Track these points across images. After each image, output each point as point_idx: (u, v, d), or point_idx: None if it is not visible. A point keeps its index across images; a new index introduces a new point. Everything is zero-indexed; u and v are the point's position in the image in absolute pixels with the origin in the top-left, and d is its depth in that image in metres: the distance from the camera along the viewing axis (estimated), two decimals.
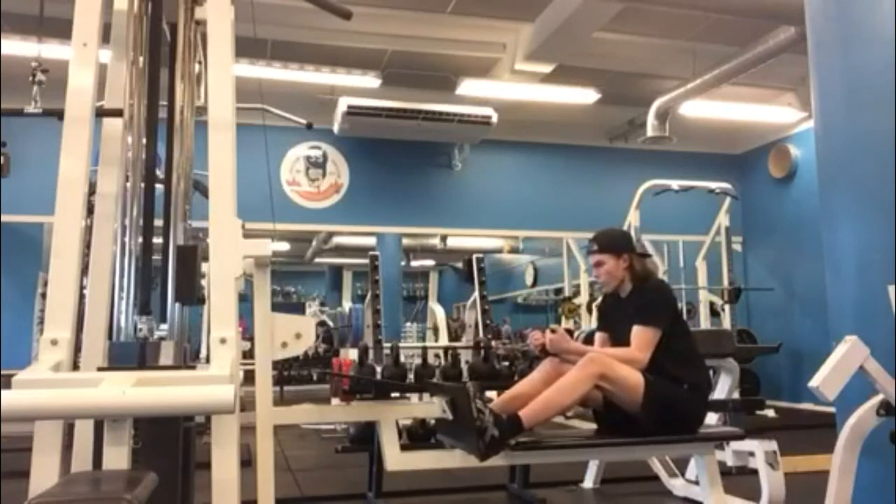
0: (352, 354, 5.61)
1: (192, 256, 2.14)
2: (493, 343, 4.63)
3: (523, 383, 3.06)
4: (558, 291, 10.77)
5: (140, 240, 2.04)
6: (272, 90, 5.37)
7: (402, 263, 11.17)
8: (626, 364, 2.85)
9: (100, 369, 1.86)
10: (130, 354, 1.91)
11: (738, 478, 3.61)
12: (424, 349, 4.58)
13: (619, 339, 3.00)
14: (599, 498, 3.81)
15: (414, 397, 3.79)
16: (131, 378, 1.56)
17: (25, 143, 4.93)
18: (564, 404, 2.82)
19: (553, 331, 2.98)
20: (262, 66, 6.05)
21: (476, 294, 6.13)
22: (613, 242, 3.13)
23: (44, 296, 4.21)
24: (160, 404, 1.49)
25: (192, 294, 2.14)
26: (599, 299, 3.34)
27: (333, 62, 6.55)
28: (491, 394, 3.34)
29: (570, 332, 3.36)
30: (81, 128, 1.95)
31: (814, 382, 2.40)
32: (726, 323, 7.04)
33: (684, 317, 5.89)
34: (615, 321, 3.10)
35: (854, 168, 2.95)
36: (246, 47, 4.47)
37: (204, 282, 2.44)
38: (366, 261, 5.94)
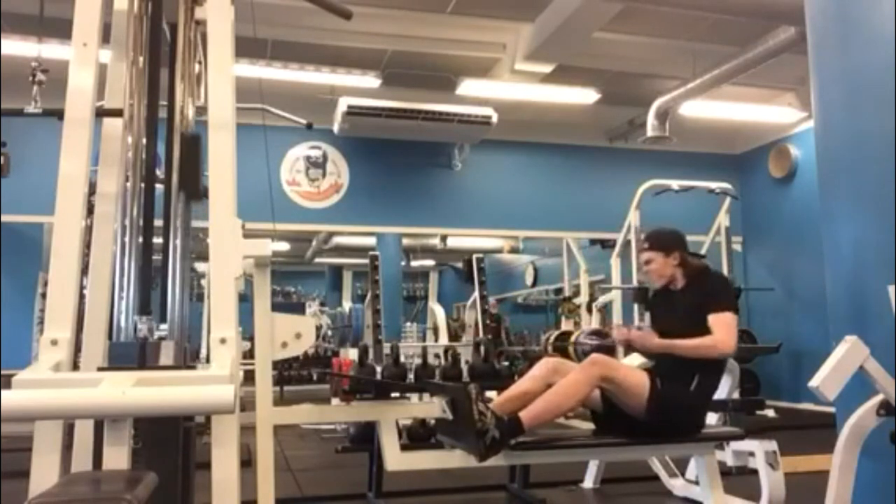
0: (352, 354, 5.62)
1: (195, 146, 2.15)
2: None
3: (523, 381, 3.06)
4: (558, 291, 10.77)
5: (140, 240, 2.04)
6: (272, 90, 5.36)
7: (402, 263, 11.18)
8: (711, 349, 2.87)
9: (100, 369, 1.86)
10: (130, 354, 1.91)
11: (738, 478, 3.62)
12: (424, 349, 4.58)
13: (668, 332, 3.00)
14: (599, 498, 3.81)
15: (414, 397, 3.79)
16: (131, 378, 1.56)
17: (25, 143, 4.93)
18: (565, 406, 2.83)
19: (639, 328, 3.00)
20: (262, 66, 6.04)
21: (476, 294, 6.14)
22: (663, 241, 3.18)
23: (44, 296, 4.21)
24: (160, 404, 1.49)
25: (196, 185, 2.16)
26: (651, 295, 3.38)
27: (333, 62, 6.55)
28: (491, 394, 3.34)
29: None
30: (81, 128, 1.95)
31: (814, 382, 2.40)
32: None
33: None
34: (663, 314, 3.13)
35: (854, 168, 2.95)
36: (246, 47, 4.46)
37: (204, 282, 2.44)
38: (366, 261, 5.95)
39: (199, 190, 2.21)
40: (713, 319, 2.91)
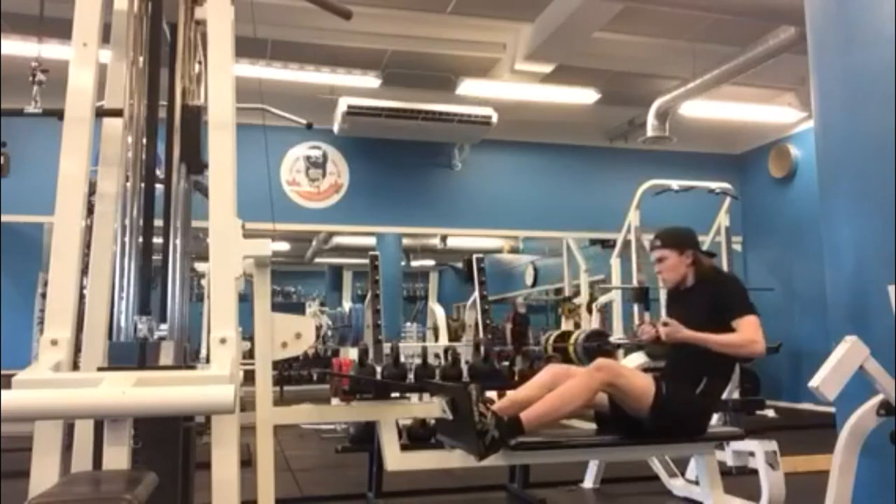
0: (352, 354, 5.61)
1: (196, 118, 2.18)
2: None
3: (525, 387, 3.05)
4: (558, 291, 10.77)
5: (140, 240, 2.04)
6: (272, 90, 5.36)
7: (402, 263, 11.17)
8: (741, 347, 2.87)
9: (100, 369, 1.86)
10: (130, 354, 1.91)
11: (738, 478, 3.62)
12: (424, 349, 4.58)
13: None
14: (599, 498, 3.81)
15: (414, 397, 3.79)
16: (131, 378, 1.56)
17: (25, 143, 4.93)
18: (567, 410, 2.82)
19: (665, 324, 3.00)
20: (262, 66, 6.04)
21: (476, 294, 6.13)
22: (676, 239, 3.18)
23: (44, 296, 4.21)
24: (160, 404, 1.49)
25: (197, 157, 2.16)
26: (664, 294, 3.37)
27: (333, 62, 6.55)
28: (491, 394, 3.34)
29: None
30: (81, 128, 1.95)
31: (814, 382, 2.39)
32: None
33: None
34: (677, 313, 3.10)
35: (854, 168, 2.94)
36: (246, 47, 4.46)
37: (204, 282, 2.44)
38: (366, 261, 5.93)
39: (200, 162, 2.22)
40: (739, 323, 2.90)
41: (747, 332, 2.88)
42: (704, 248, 6.89)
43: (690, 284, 3.14)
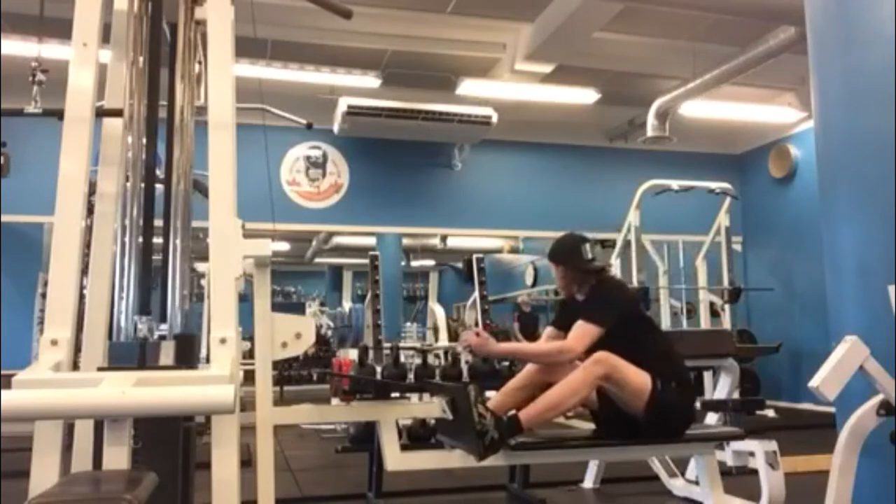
0: (352, 354, 5.61)
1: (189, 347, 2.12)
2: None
3: (520, 376, 3.08)
4: (558, 292, 10.75)
5: (140, 240, 2.04)
6: (272, 90, 5.37)
7: (402, 263, 11.15)
8: (555, 355, 2.88)
9: (100, 369, 1.86)
10: (130, 354, 1.91)
11: (738, 478, 3.61)
12: (424, 349, 4.58)
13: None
14: (599, 498, 3.81)
15: (414, 397, 3.79)
16: (131, 378, 1.56)
17: (25, 143, 4.94)
18: (565, 406, 2.82)
19: (477, 334, 2.97)
20: (262, 66, 6.05)
21: (476, 294, 6.13)
22: (555, 253, 3.22)
23: (44, 296, 4.21)
24: (160, 404, 1.49)
25: None
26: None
27: (333, 62, 6.55)
28: (491, 394, 3.34)
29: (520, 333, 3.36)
30: (81, 128, 1.95)
31: (814, 382, 2.39)
32: (726, 323, 7.03)
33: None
34: (569, 321, 3.05)
35: (854, 168, 2.94)
36: (246, 47, 4.46)
37: (204, 282, 2.44)
38: (366, 261, 5.94)
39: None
40: (574, 327, 2.89)
41: (570, 338, 2.88)
42: (704, 248, 6.96)
43: (583, 296, 3.12)
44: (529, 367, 3.09)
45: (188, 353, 2.03)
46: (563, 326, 3.10)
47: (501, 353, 2.90)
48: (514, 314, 10.77)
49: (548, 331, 3.27)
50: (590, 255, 3.15)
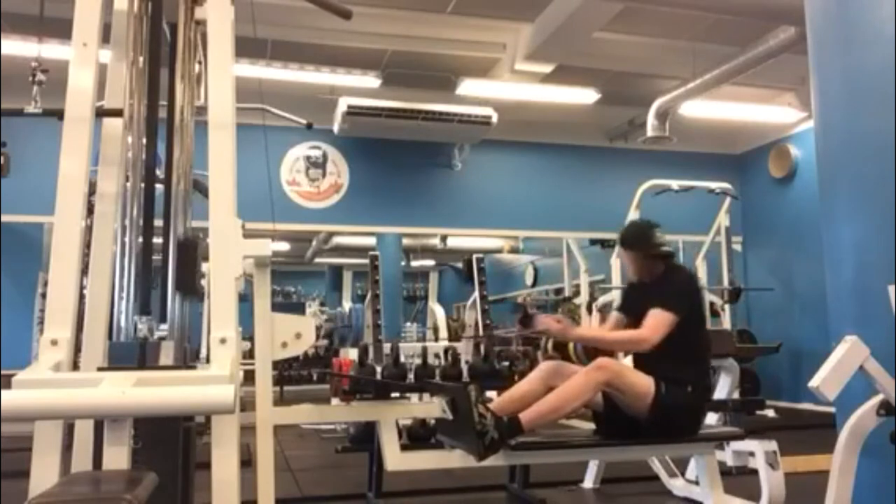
0: (352, 354, 5.61)
1: (192, 251, 2.18)
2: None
3: (522, 384, 3.06)
4: (558, 291, 10.77)
5: (140, 240, 2.04)
6: (272, 90, 5.36)
7: (402, 263, 11.16)
8: (631, 345, 2.89)
9: (100, 369, 1.86)
10: (130, 354, 1.91)
11: (738, 478, 3.61)
12: (424, 349, 4.58)
13: (636, 323, 3.01)
14: (599, 498, 3.81)
15: (414, 397, 3.79)
16: (131, 378, 1.56)
17: (25, 143, 4.93)
18: (566, 409, 2.83)
19: (558, 321, 2.99)
20: (262, 66, 6.04)
21: (476, 294, 6.13)
22: (626, 239, 3.25)
23: (44, 296, 4.21)
24: (160, 404, 1.49)
25: (193, 286, 2.16)
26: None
27: (333, 62, 6.55)
28: (491, 394, 3.34)
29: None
30: (81, 128, 1.95)
31: (814, 382, 2.39)
32: (726, 323, 7.03)
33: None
34: (634, 305, 3.12)
35: (854, 168, 2.94)
36: (246, 47, 4.46)
37: (204, 281, 2.44)
38: (366, 261, 5.94)
39: (197, 289, 2.22)
40: (649, 315, 2.92)
41: (644, 327, 2.90)
42: (704, 248, 6.96)
43: (651, 280, 3.17)
44: (532, 376, 3.08)
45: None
46: (629, 311, 3.17)
47: (580, 338, 2.93)
48: (519, 314, 10.80)
49: (614, 315, 3.32)
50: (659, 241, 3.19)
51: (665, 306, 2.90)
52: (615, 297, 6.75)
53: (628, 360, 3.58)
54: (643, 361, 3.03)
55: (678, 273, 3.21)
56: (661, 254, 3.16)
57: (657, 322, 2.88)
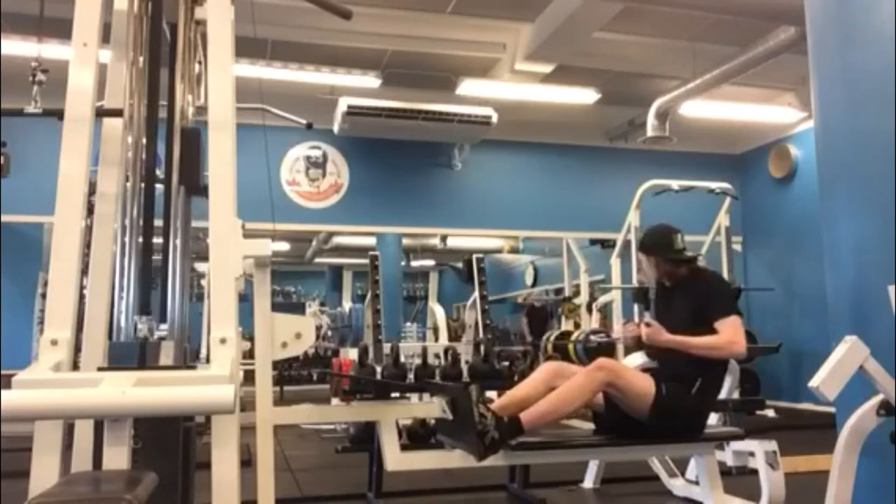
0: (352, 354, 5.61)
1: (195, 141, 2.19)
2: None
3: (524, 385, 3.05)
4: (558, 291, 10.77)
5: (140, 240, 2.04)
6: (272, 90, 5.36)
7: (402, 263, 11.17)
8: (722, 350, 2.90)
9: (100, 369, 1.86)
10: (130, 354, 1.91)
11: (738, 478, 3.61)
12: (424, 349, 4.58)
13: (666, 326, 3.01)
14: (599, 498, 3.81)
15: (414, 397, 3.79)
16: (131, 378, 1.56)
17: (25, 143, 4.93)
18: (567, 410, 2.83)
19: (647, 324, 3.00)
20: (262, 66, 6.04)
21: (476, 294, 6.13)
22: (646, 244, 3.26)
23: (44, 296, 4.21)
24: (160, 404, 1.49)
25: (196, 180, 2.17)
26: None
27: (333, 62, 6.55)
28: (491, 394, 3.34)
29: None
30: (81, 128, 1.95)
31: (814, 382, 2.40)
32: None
33: None
34: (662, 311, 3.15)
35: (854, 168, 2.94)
36: (246, 47, 4.46)
37: (204, 282, 2.44)
38: (366, 261, 5.93)
39: (199, 185, 2.22)
40: (721, 324, 2.92)
41: (727, 334, 2.90)
42: (704, 248, 6.95)
43: (672, 285, 3.17)
44: (534, 376, 3.07)
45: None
46: (662, 317, 3.15)
47: (672, 343, 2.93)
48: (524, 310, 10.89)
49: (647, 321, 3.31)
50: (681, 246, 3.19)
51: (727, 312, 2.94)
52: (615, 297, 6.76)
53: (629, 360, 3.58)
54: (665, 357, 3.05)
55: (709, 275, 3.23)
56: (682, 259, 3.17)
57: (735, 327, 2.92)
